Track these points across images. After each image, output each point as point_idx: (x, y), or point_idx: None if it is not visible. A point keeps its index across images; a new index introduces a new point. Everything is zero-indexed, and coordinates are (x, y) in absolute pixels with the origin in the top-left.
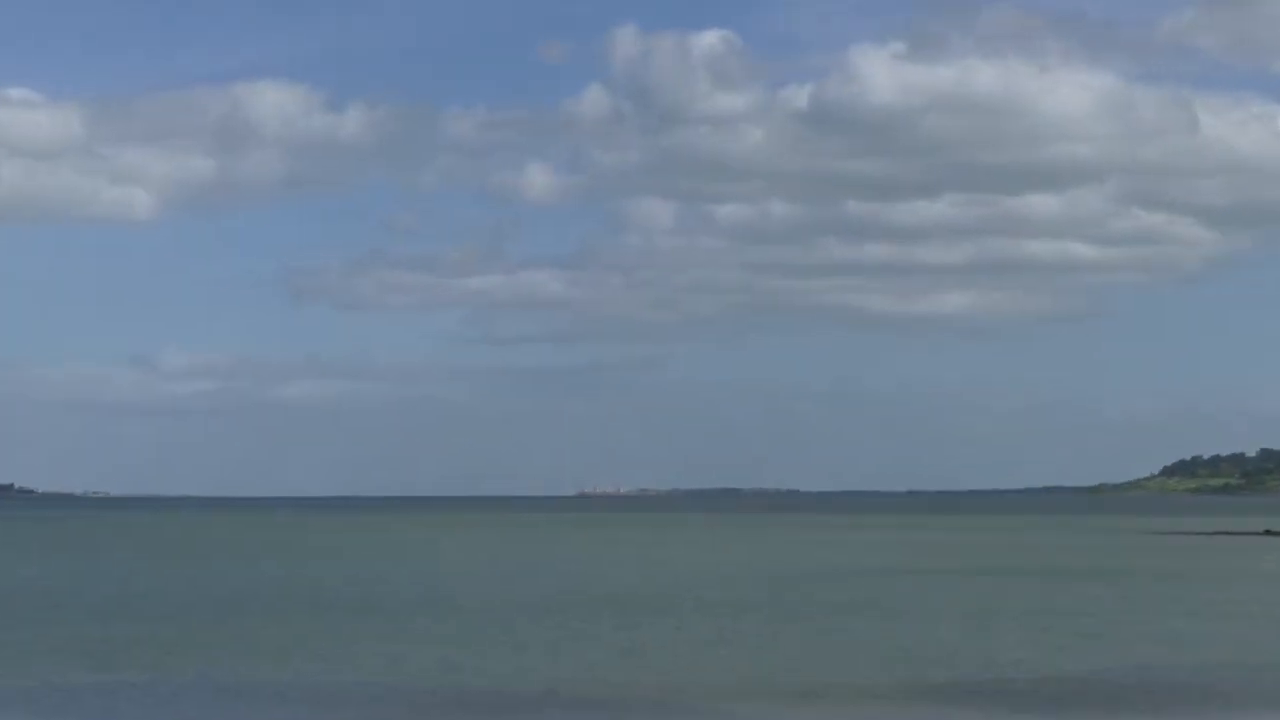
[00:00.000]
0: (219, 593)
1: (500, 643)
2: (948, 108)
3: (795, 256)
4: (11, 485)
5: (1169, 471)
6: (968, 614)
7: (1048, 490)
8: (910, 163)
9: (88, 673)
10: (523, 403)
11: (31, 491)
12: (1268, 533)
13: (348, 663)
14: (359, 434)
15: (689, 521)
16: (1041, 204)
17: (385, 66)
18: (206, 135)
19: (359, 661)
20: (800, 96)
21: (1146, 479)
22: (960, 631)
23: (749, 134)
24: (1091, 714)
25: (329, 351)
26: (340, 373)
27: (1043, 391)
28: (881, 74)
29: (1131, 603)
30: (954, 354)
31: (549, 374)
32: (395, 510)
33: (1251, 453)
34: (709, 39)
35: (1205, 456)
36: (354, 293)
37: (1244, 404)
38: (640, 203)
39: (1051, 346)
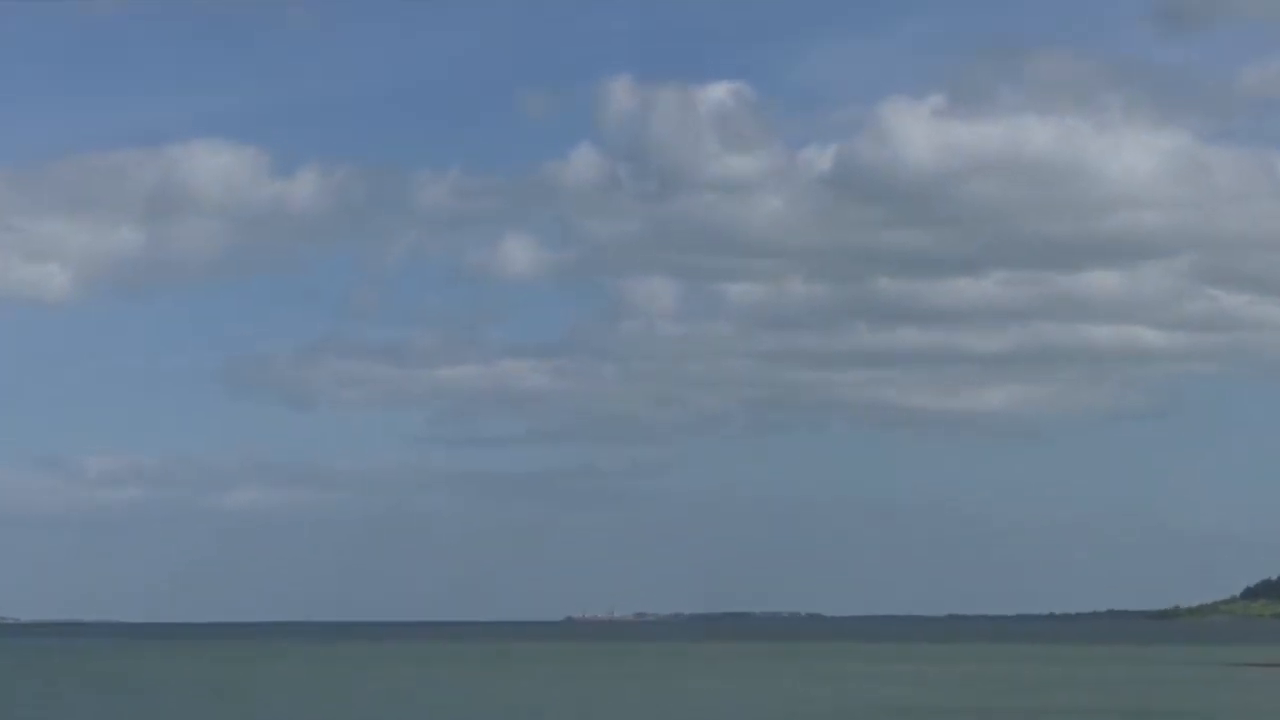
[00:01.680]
0: None
1: None
2: (994, 171)
3: (818, 344)
4: None
5: (1251, 594)
6: None
7: (1112, 615)
8: (951, 235)
9: None
10: (502, 514)
11: None
12: None
13: None
14: (311, 550)
15: (695, 653)
16: (1102, 282)
17: (343, 124)
18: (134, 204)
19: None
20: (823, 158)
21: (1226, 602)
22: None
23: (764, 202)
24: None
25: (277, 454)
26: (290, 479)
27: (1104, 501)
28: (918, 132)
29: None
30: (1001, 457)
31: (533, 480)
32: (352, 639)
33: None
34: (717, 92)
35: None
36: (306, 386)
37: None
38: (638, 281)
39: (1114, 448)
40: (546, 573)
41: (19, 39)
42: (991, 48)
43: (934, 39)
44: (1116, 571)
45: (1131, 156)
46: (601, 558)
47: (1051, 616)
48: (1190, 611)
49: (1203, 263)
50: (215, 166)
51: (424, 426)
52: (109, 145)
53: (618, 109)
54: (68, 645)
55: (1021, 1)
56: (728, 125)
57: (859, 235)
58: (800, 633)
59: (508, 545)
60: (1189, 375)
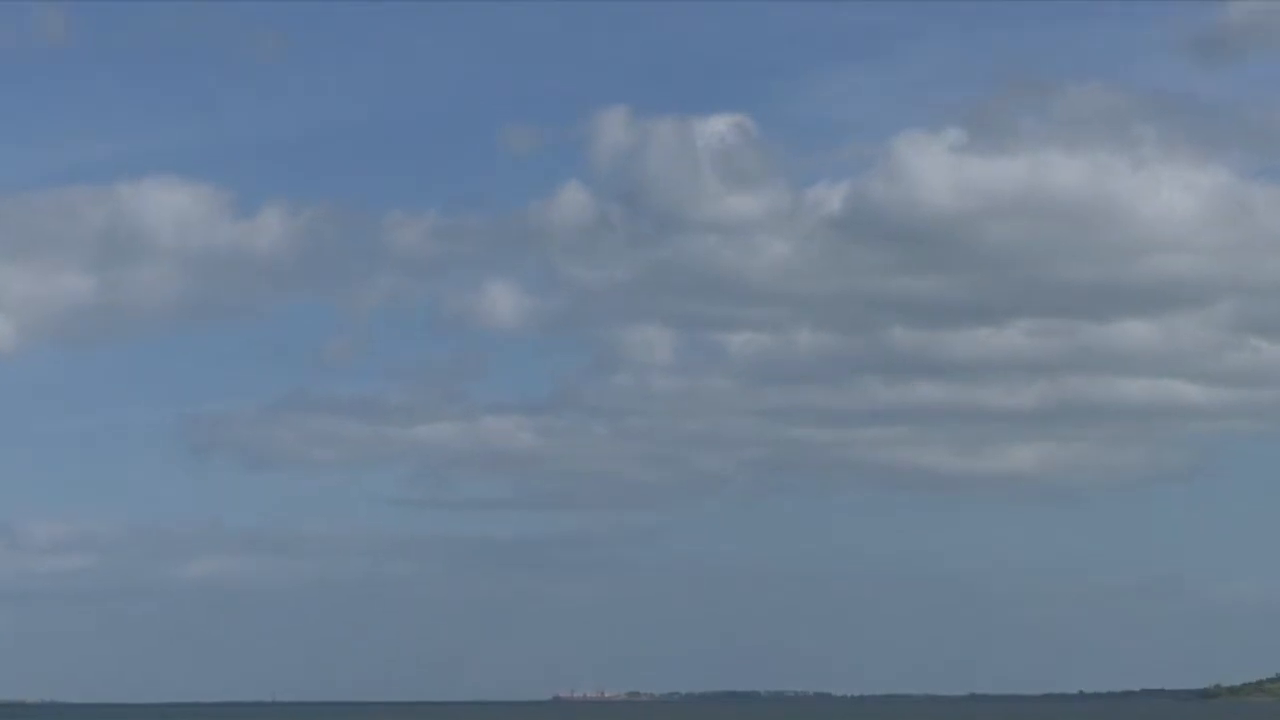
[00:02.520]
0: None
1: None
2: (1018, 211)
3: (827, 399)
4: None
5: None
6: None
7: (1147, 694)
8: (971, 281)
9: None
10: (484, 584)
11: None
12: None
13: None
14: (277, 624)
15: None
16: (1136, 333)
17: (311, 160)
18: (84, 247)
19: None
20: (833, 197)
21: (1271, 680)
22: None
23: (768, 244)
24: None
25: (239, 520)
26: (253, 547)
27: (1138, 569)
28: (934, 169)
29: None
30: (1026, 522)
31: (517, 547)
32: None
33: None
34: (718, 125)
35: None
36: (272, 445)
37: None
38: (631, 331)
39: (1149, 513)
40: (532, 647)
41: None
42: (1015, 78)
43: (952, 69)
44: (1152, 646)
45: (1167, 195)
46: (591, 631)
47: (1082, 695)
48: (1232, 690)
49: (1245, 311)
50: (171, 206)
51: (399, 489)
52: (55, 182)
53: (609, 144)
54: None
55: (1047, 29)
56: (728, 161)
57: (871, 281)
58: (809, 713)
59: (490, 617)
60: (1230, 433)
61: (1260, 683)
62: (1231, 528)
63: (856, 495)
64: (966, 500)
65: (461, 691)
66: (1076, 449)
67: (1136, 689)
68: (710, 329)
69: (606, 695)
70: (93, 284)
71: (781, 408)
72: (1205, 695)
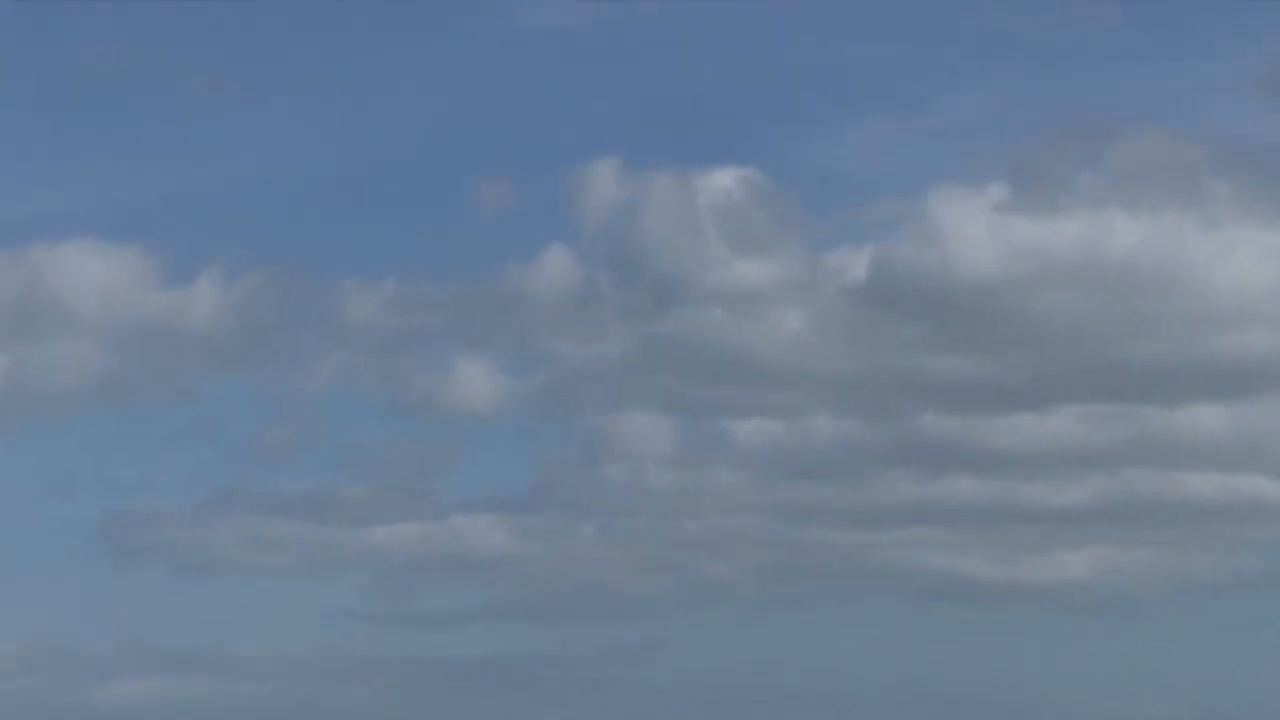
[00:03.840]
0: None
1: None
2: (1070, 278)
3: (848, 496)
4: None
5: None
6: None
7: None
8: (1015, 360)
9: None
10: (454, 709)
11: None
12: None
13: None
14: None
15: None
16: (1207, 419)
17: (252, 220)
18: None
19: None
20: (857, 262)
21: None
22: None
23: (782, 317)
24: None
25: (168, 635)
26: (184, 666)
27: (1209, 692)
28: (974, 229)
29: None
30: (1079, 638)
31: (491, 667)
32: None
33: None
34: (724, 179)
35: None
36: (205, 548)
37: None
38: (623, 417)
39: (1222, 627)
40: None
41: None
42: (1066, 125)
43: (993, 115)
44: None
45: (1243, 260)
46: None
47: None
48: None
49: None
50: (91, 273)
51: (354, 600)
52: None
53: (598, 201)
54: None
55: (1104, 69)
56: (735, 221)
57: (900, 360)
58: None
59: None
60: None
61: None
62: None
63: (882, 606)
64: (1008, 613)
65: None
66: (1137, 554)
67: None
68: (715, 414)
69: None
70: (1, 361)
71: (796, 505)
72: None
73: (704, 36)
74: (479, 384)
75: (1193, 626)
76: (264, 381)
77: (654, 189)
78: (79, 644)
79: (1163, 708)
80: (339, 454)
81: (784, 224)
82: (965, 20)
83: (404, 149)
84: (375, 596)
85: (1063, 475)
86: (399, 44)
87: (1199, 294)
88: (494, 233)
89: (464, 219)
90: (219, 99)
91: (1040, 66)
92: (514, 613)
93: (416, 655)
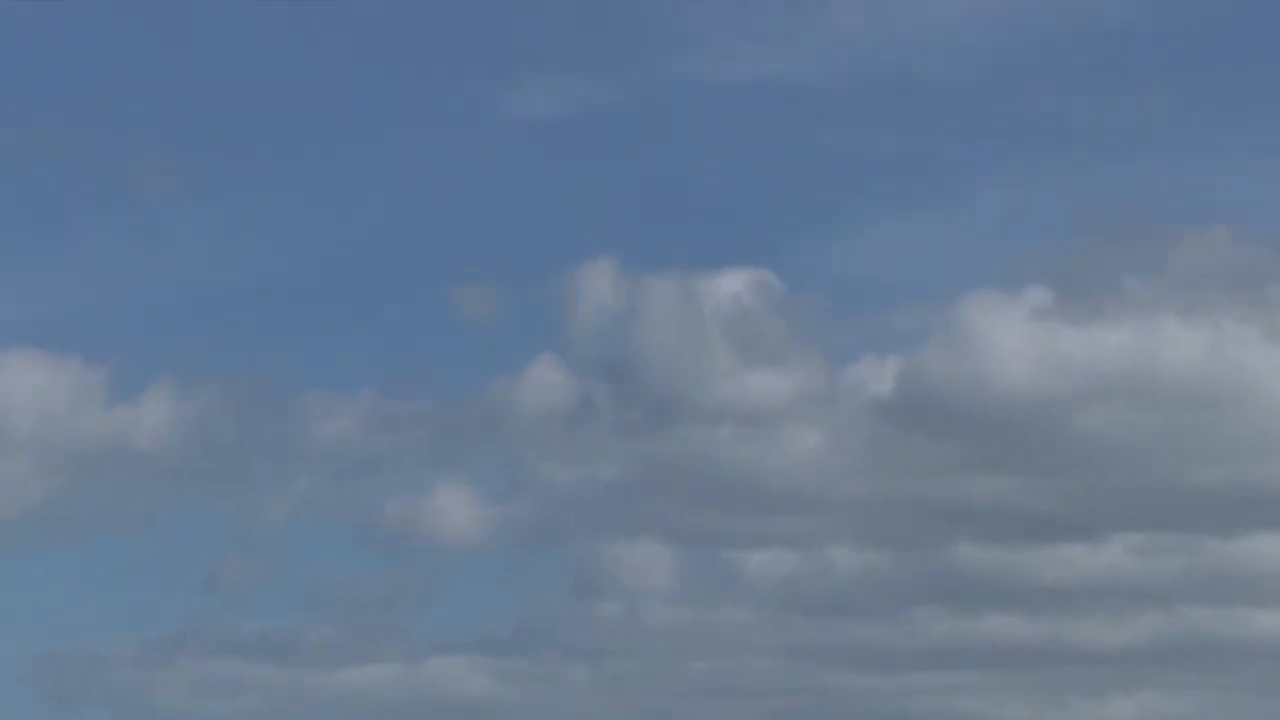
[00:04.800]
0: None
1: None
2: (1121, 394)
3: (873, 636)
4: None
5: None
6: None
7: None
8: (1059, 484)
9: None
10: None
11: None
12: None
13: None
14: None
15: None
16: (1271, 551)
17: (209, 327)
18: None
19: None
20: (882, 376)
21: None
22: None
23: (798, 436)
24: None
25: None
26: None
27: None
28: (1013, 339)
29: None
30: None
31: None
32: None
33: None
34: (732, 283)
35: None
36: (153, 693)
37: None
38: (621, 548)
39: None
40: None
41: None
42: (1115, 224)
43: (1033, 213)
44: None
45: None
46: None
47: None
48: None
49: None
50: (30, 387)
51: None
52: None
53: (592, 307)
54: None
55: (1153, 165)
56: (746, 329)
57: (930, 484)
58: None
59: None
60: None
61: None
62: None
63: None
64: None
65: None
66: (1194, 699)
67: None
68: (722, 544)
69: None
70: None
71: (814, 646)
72: None
73: (710, 124)
74: (459, 511)
75: None
76: (220, 508)
77: (654, 293)
78: None
79: None
80: (304, 589)
81: (800, 333)
82: (1002, 110)
83: (376, 249)
84: None
85: (1112, 612)
86: (371, 135)
87: (1262, 411)
88: (477, 342)
89: (443, 327)
90: (172, 191)
91: (1085, 160)
92: None
93: None
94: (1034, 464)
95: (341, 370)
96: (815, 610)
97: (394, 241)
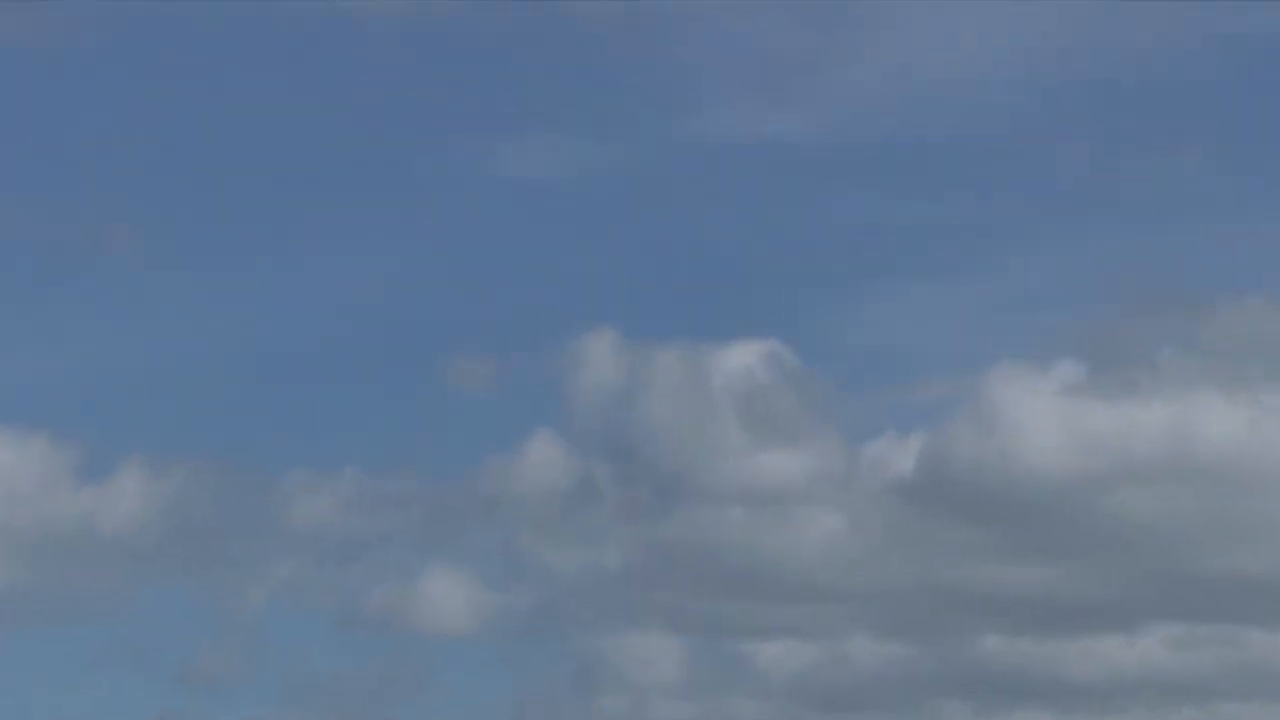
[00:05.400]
0: None
1: None
2: (1158, 473)
3: None
4: None
5: None
6: None
7: None
8: (1092, 570)
9: None
10: None
11: None
12: None
13: None
14: None
15: None
16: None
17: (183, 402)
18: None
19: None
20: (902, 454)
21: None
22: None
23: (813, 519)
24: None
25: None
26: None
27: None
28: (1042, 415)
29: None
30: None
31: None
32: None
33: None
34: (743, 355)
35: None
36: None
37: None
38: (624, 638)
39: None
40: None
41: None
42: (1149, 293)
43: (1062, 282)
44: None
45: None
46: None
47: None
48: None
49: None
50: None
51: None
52: None
53: (593, 381)
54: None
55: (1189, 231)
56: (758, 405)
57: (954, 570)
58: None
59: None
60: None
61: None
62: None
63: None
64: None
65: None
66: None
67: None
68: (733, 635)
69: None
70: None
71: None
72: None
73: (718, 186)
74: (451, 598)
75: None
76: (196, 595)
77: (659, 366)
78: None
79: None
80: (286, 680)
81: (815, 408)
82: (1028, 171)
83: (363, 320)
84: None
85: (1149, 708)
86: (355, 197)
87: None
88: (470, 418)
89: (434, 401)
90: (141, 257)
91: (1118, 225)
92: None
93: None
94: (1065, 549)
95: (325, 447)
96: (832, 705)
97: (381, 310)
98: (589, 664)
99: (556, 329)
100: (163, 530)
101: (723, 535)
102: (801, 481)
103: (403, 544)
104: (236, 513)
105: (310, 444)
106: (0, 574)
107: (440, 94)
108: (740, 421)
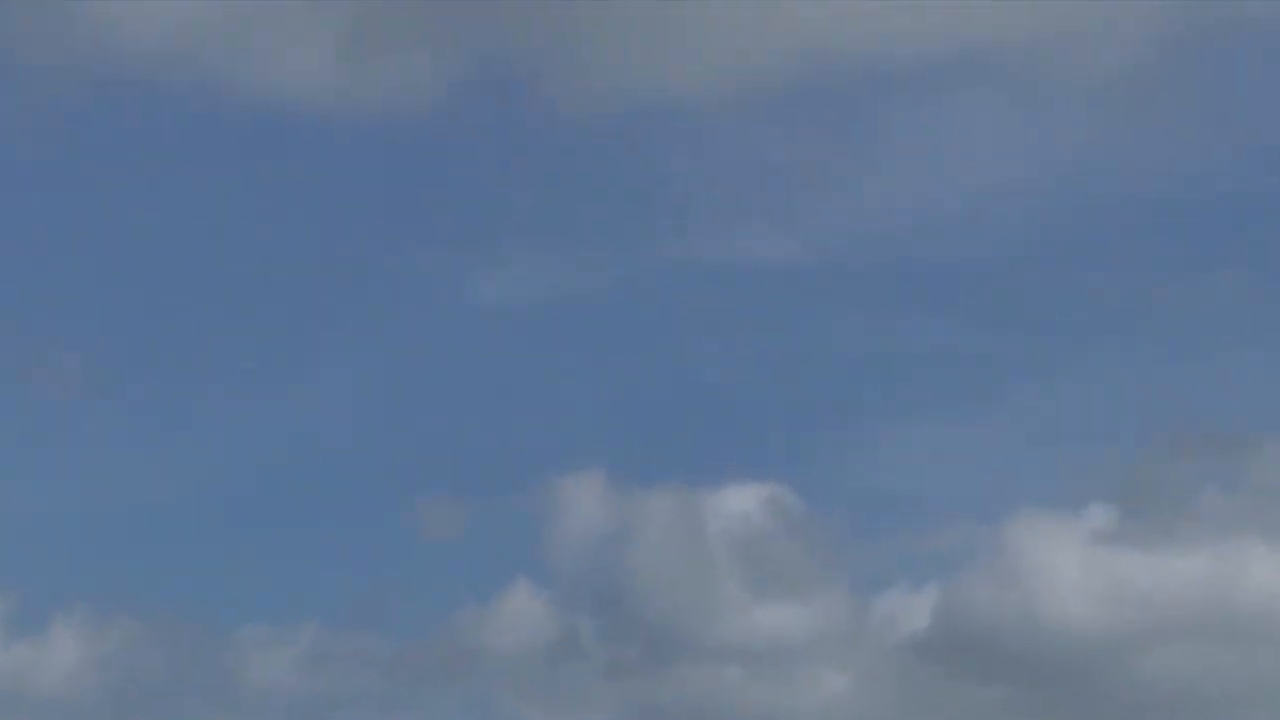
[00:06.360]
0: None
1: None
2: (1196, 629)
3: None
4: None
5: None
6: None
7: None
8: None
9: None
10: None
11: None
12: None
13: None
14: None
15: None
16: None
17: (125, 552)
18: None
19: None
20: (915, 607)
21: None
22: None
23: (820, 678)
24: None
25: None
26: None
27: None
28: (1070, 565)
29: None
30: None
31: None
32: None
33: None
34: (742, 500)
35: None
36: None
37: None
38: None
39: None
40: None
41: None
42: (1187, 431)
43: (1091, 418)
44: None
45: None
46: None
47: None
48: None
49: None
50: None
51: None
52: None
53: (577, 526)
54: None
55: (1231, 361)
56: (758, 553)
57: None
58: None
59: None
60: None
61: None
62: None
63: None
64: None
65: None
66: None
67: None
68: None
69: None
70: None
71: None
72: None
73: (713, 313)
74: None
75: None
76: None
77: (650, 511)
78: None
79: None
80: None
81: (820, 557)
82: (1052, 298)
83: (324, 460)
84: None
85: None
86: (318, 322)
87: None
88: (441, 568)
89: (402, 550)
90: (81, 395)
91: (1152, 355)
92: None
93: None
94: (1095, 713)
95: (283, 600)
96: None
97: (343, 448)
98: None
99: (536, 470)
100: (104, 690)
101: (719, 696)
102: (805, 637)
103: (368, 706)
104: (186, 671)
105: (266, 596)
106: None
107: (407, 209)
108: (738, 572)
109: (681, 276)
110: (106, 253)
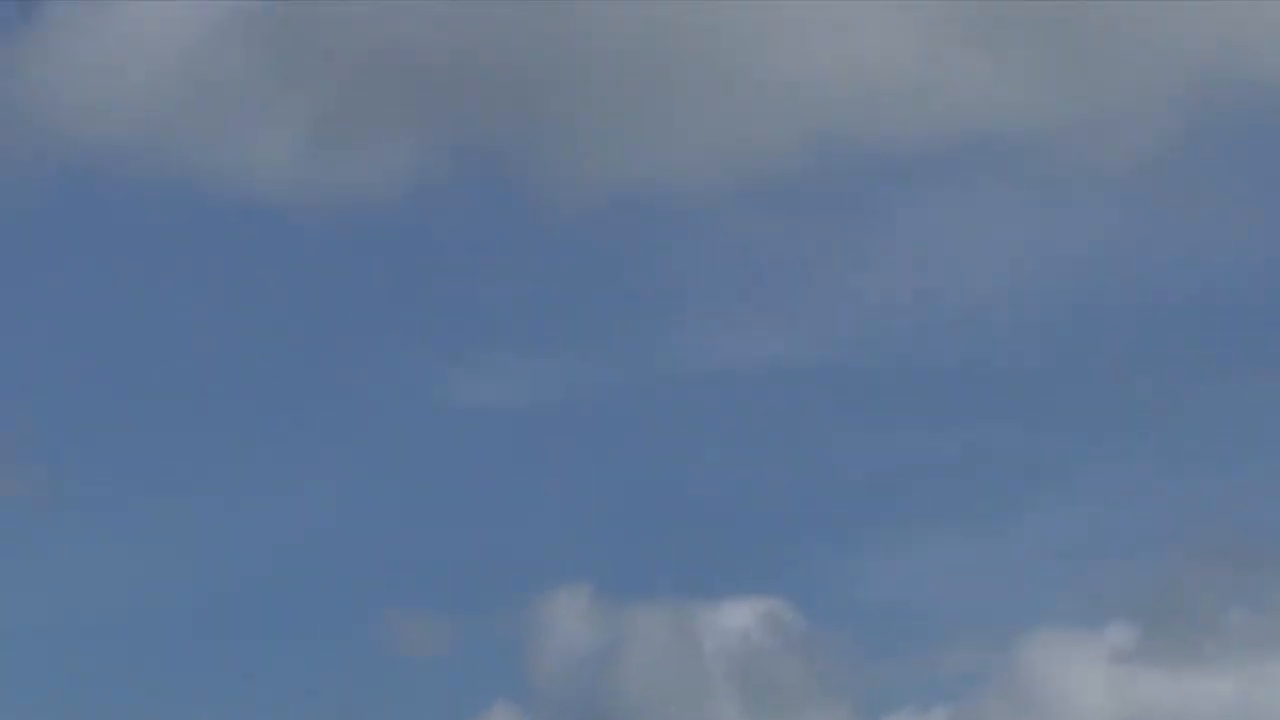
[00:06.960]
0: None
1: None
2: None
3: None
4: None
5: None
6: None
7: None
8: None
9: None
10: None
11: None
12: None
13: None
14: None
15: None
16: None
17: (68, 667)
18: None
19: None
20: None
21: None
22: None
23: None
24: None
25: None
26: None
27: None
28: (1090, 685)
29: None
30: None
31: None
32: None
33: None
34: (739, 615)
35: None
36: None
37: None
38: None
39: None
40: None
41: None
42: (1214, 544)
43: (1111, 530)
44: None
45: None
46: None
47: None
48: None
49: None
50: None
51: None
52: None
53: (562, 644)
54: None
55: (1258, 470)
56: (757, 672)
57: None
58: None
59: None
60: None
61: None
62: None
63: None
64: None
65: None
66: None
67: None
68: None
69: None
70: None
71: None
72: None
73: (709, 417)
74: None
75: None
76: None
77: (640, 627)
78: None
79: None
80: None
81: (824, 677)
82: (1068, 404)
83: (292, 571)
84: None
85: None
86: (287, 427)
87: None
88: (415, 688)
89: (376, 668)
90: (30, 504)
91: (1176, 463)
92: None
93: None
94: None
95: (248, 719)
96: None
97: (313, 559)
98: None
99: (520, 583)
100: None
101: None
102: None
103: None
104: None
105: (231, 715)
106: None
107: (383, 307)
108: (736, 692)
109: (674, 378)
110: (69, 353)
